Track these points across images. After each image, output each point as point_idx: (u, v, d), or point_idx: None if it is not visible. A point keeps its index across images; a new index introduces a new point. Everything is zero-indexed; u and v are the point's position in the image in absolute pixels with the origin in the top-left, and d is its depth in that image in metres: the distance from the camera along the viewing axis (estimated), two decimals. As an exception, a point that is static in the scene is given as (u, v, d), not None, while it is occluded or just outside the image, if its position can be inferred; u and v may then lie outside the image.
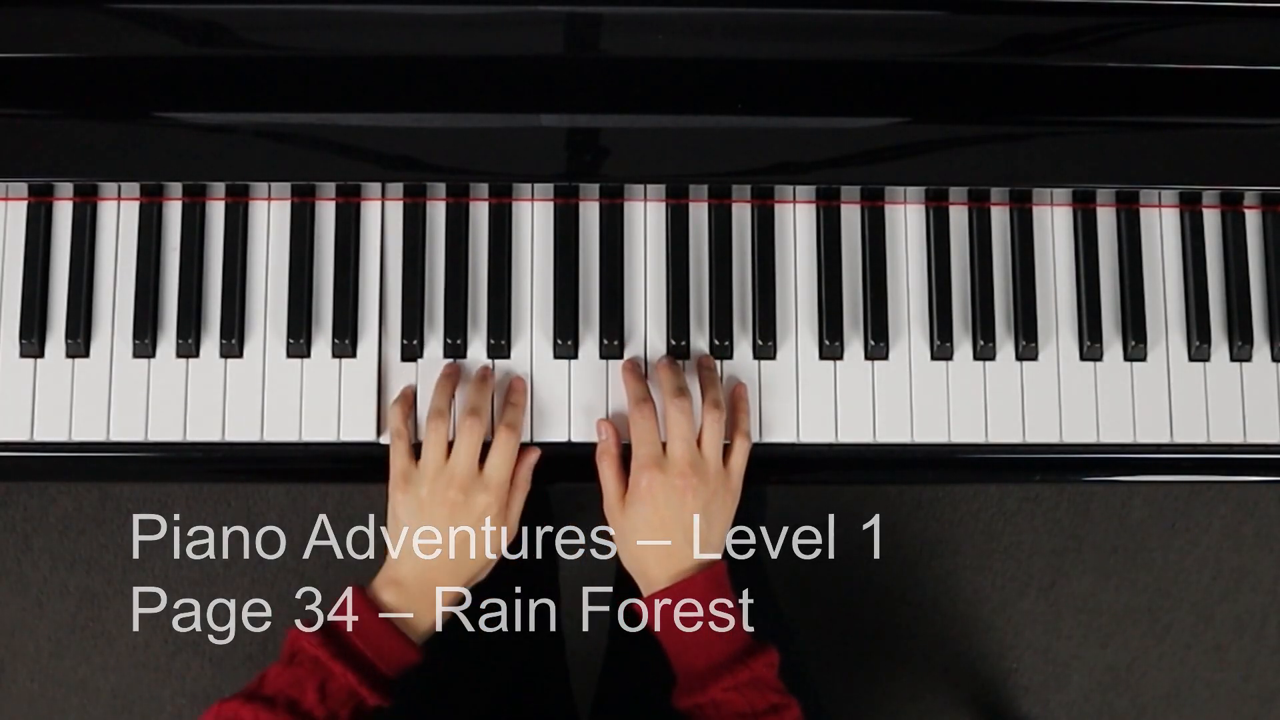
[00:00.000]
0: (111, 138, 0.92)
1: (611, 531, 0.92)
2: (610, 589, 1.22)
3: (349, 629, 0.86)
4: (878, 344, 0.96)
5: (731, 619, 0.88)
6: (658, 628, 0.89)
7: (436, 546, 0.88)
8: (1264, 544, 1.77)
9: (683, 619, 0.87)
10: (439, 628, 0.90)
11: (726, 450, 0.92)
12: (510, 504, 0.91)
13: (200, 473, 0.97)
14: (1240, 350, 0.98)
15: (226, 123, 0.92)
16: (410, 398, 0.94)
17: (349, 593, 0.87)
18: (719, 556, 0.90)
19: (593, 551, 1.69)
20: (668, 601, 0.88)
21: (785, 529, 1.76)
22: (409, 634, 0.87)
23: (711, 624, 0.87)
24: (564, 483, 0.93)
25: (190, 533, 1.71)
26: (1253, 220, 1.00)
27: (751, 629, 0.89)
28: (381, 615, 0.86)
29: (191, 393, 0.95)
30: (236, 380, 0.95)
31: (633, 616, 0.92)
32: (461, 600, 0.90)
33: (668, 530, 0.88)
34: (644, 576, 0.90)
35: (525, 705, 1.05)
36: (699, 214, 0.98)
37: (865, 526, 1.75)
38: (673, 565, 0.88)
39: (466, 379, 0.94)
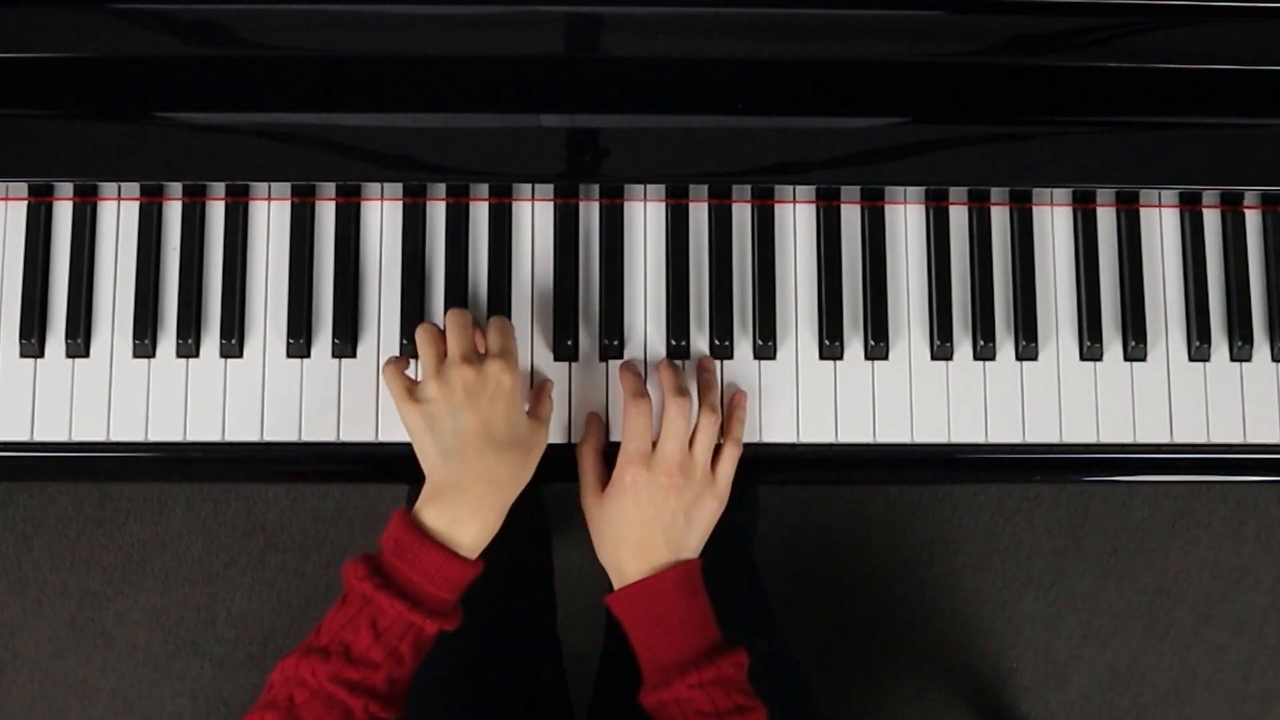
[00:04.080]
0: (111, 138, 0.92)
1: (586, 520, 0.91)
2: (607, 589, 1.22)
3: (393, 555, 0.83)
4: (878, 344, 0.96)
5: (701, 617, 0.87)
6: (627, 622, 0.88)
7: (460, 438, 0.85)
8: (1264, 544, 1.77)
9: (651, 614, 0.87)
10: (495, 530, 0.86)
11: (716, 455, 0.92)
12: (539, 403, 0.91)
13: (200, 473, 0.97)
14: (1240, 350, 0.98)
15: (226, 123, 0.92)
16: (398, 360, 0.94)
17: (394, 516, 0.84)
18: (694, 556, 0.90)
19: (589, 552, 1.69)
20: (637, 595, 0.87)
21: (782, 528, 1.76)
22: (459, 547, 0.83)
23: (680, 621, 0.86)
24: (563, 483, 0.93)
25: (189, 533, 1.71)
26: (1253, 220, 1.00)
27: (723, 629, 0.88)
28: (423, 534, 0.83)
29: (191, 393, 0.95)
30: (236, 380, 0.95)
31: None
32: (511, 494, 0.86)
33: (647, 527, 0.88)
34: (617, 569, 0.89)
35: (522, 708, 1.05)
36: (699, 214, 0.98)
37: (864, 527, 1.75)
38: (647, 562, 0.88)
39: None
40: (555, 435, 0.95)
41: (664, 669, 0.86)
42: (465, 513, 0.84)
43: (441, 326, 0.91)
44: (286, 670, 0.80)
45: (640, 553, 0.88)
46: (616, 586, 0.90)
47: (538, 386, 0.94)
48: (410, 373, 0.94)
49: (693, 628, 0.87)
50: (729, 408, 0.94)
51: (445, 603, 0.84)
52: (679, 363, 0.95)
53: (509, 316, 0.96)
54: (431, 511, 0.84)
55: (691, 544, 0.90)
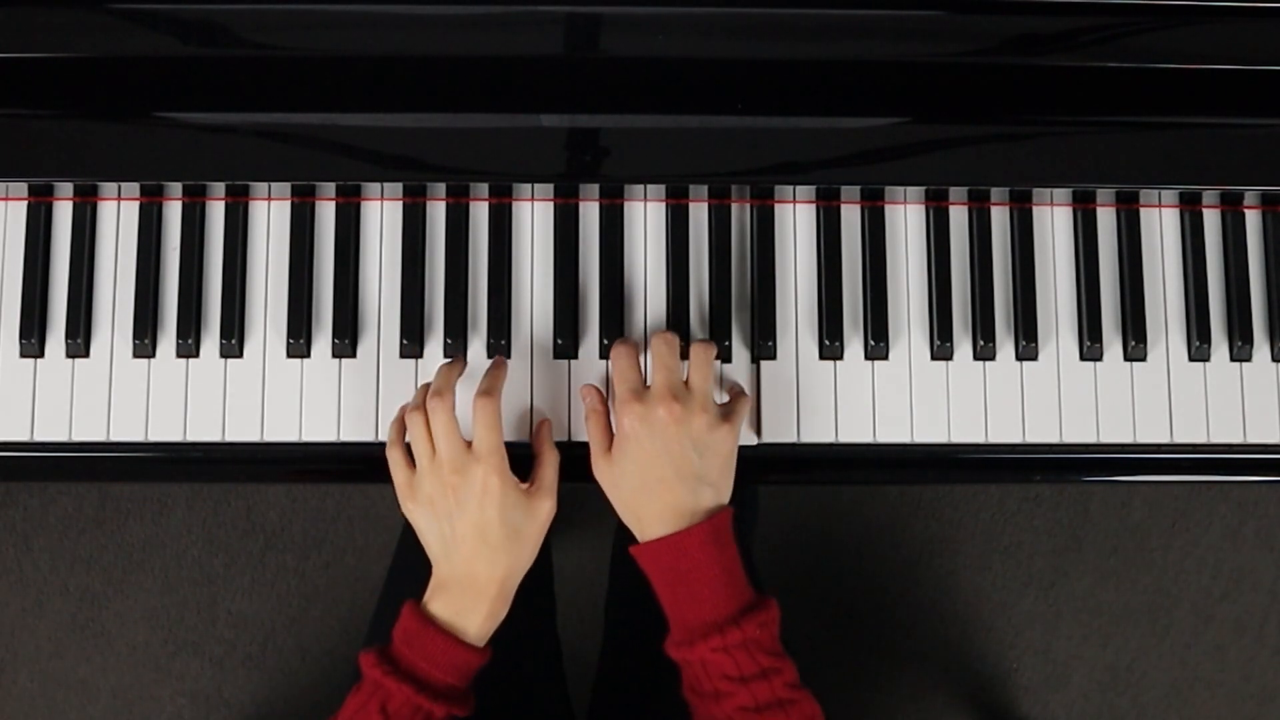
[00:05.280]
0: (111, 138, 0.92)
1: (601, 486, 0.90)
2: (606, 591, 1.22)
3: (402, 644, 0.86)
4: (878, 344, 0.96)
5: (729, 574, 0.85)
6: (652, 576, 0.87)
7: (458, 540, 0.86)
8: (1264, 544, 1.77)
9: (677, 570, 0.85)
10: (501, 616, 0.88)
11: (728, 403, 0.91)
12: (539, 475, 0.90)
13: (200, 473, 0.97)
14: (1240, 350, 0.98)
15: (226, 123, 0.92)
16: (402, 424, 0.93)
17: (404, 608, 0.87)
18: (723, 502, 0.88)
19: (589, 552, 1.69)
20: (662, 551, 0.86)
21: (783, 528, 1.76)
22: (464, 636, 0.86)
23: (707, 578, 0.85)
24: (564, 483, 0.93)
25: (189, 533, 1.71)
26: (1253, 220, 1.00)
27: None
28: (430, 623, 0.85)
29: (191, 393, 0.95)
30: (236, 380, 0.95)
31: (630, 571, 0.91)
32: (514, 582, 0.88)
33: (657, 466, 0.86)
34: (636, 520, 0.88)
35: (522, 708, 1.05)
36: (699, 214, 0.98)
37: (864, 527, 1.75)
38: (664, 504, 0.86)
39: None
40: (556, 433, 0.94)
41: (688, 627, 0.85)
42: (468, 605, 0.86)
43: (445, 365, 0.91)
44: None
45: (655, 496, 0.86)
46: (639, 539, 0.88)
47: (536, 444, 0.92)
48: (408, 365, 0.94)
49: (720, 586, 0.85)
50: (729, 390, 0.94)
51: (453, 688, 0.86)
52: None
53: (508, 317, 0.96)
54: (437, 603, 0.87)
55: (711, 476, 0.87)
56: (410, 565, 0.94)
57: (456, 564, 0.87)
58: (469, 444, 0.87)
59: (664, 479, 0.86)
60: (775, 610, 0.86)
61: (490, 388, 0.89)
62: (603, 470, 0.89)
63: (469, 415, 0.88)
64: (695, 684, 0.85)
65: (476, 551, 0.86)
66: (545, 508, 0.89)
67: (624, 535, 0.93)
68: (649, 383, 0.89)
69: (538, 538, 0.89)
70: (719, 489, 0.88)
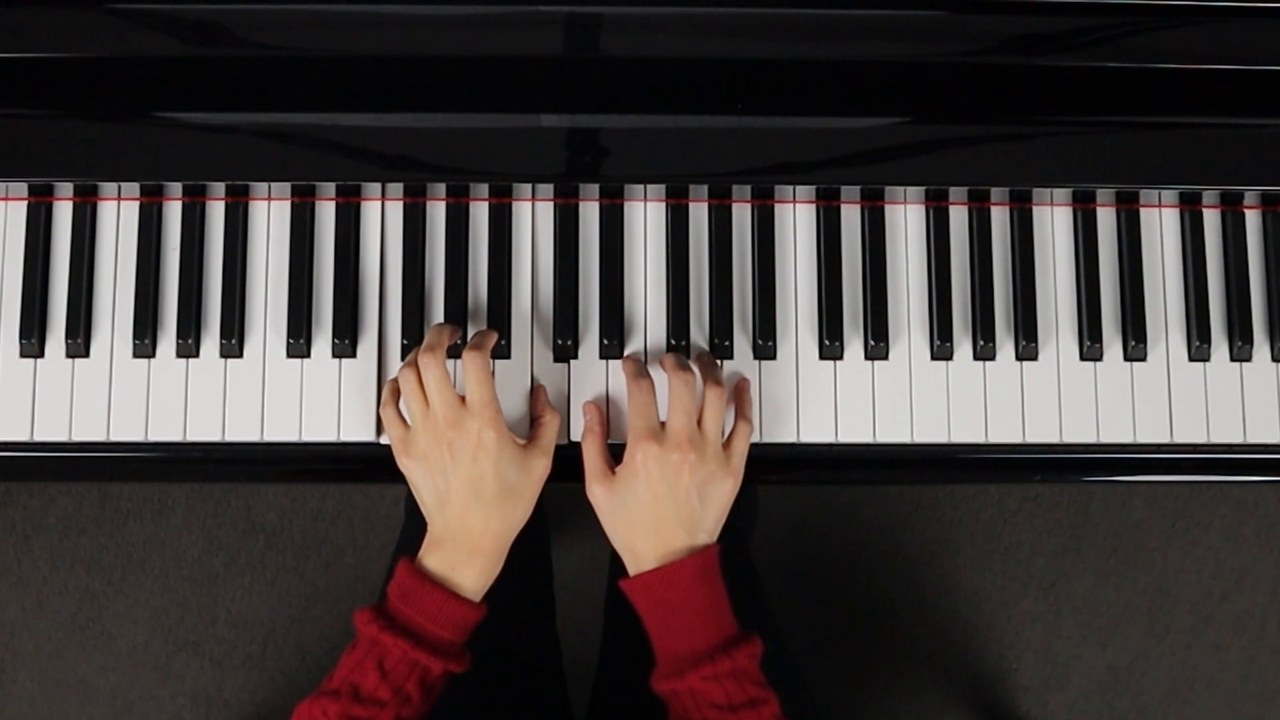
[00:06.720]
0: (111, 138, 0.92)
1: (595, 508, 0.90)
2: (606, 591, 1.22)
3: (398, 600, 0.85)
4: (878, 344, 0.96)
5: (718, 606, 0.87)
6: (642, 609, 0.88)
7: (451, 494, 0.86)
8: (1264, 544, 1.77)
9: (668, 602, 0.86)
10: (495, 572, 0.88)
11: (729, 436, 0.91)
12: (538, 434, 0.90)
13: (200, 473, 0.97)
14: (1240, 350, 0.98)
15: (226, 123, 0.92)
16: (397, 386, 0.93)
17: (398, 564, 0.87)
18: (712, 541, 0.89)
19: (589, 552, 1.69)
20: (654, 583, 0.86)
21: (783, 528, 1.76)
22: (460, 591, 0.86)
23: (697, 610, 0.86)
24: (563, 483, 0.93)
25: (189, 533, 1.71)
26: (1253, 220, 1.00)
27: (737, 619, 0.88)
28: (425, 578, 0.85)
29: (191, 393, 0.95)
30: (236, 380, 0.95)
31: (620, 595, 0.91)
32: (508, 538, 0.88)
33: (660, 506, 0.87)
34: (632, 554, 0.88)
35: (522, 709, 1.05)
36: (699, 214, 0.98)
37: (864, 527, 1.75)
38: (662, 544, 0.87)
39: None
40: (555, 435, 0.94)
41: (678, 658, 0.85)
42: (462, 560, 0.87)
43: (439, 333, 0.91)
44: (301, 714, 0.83)
45: (655, 534, 0.87)
46: (631, 571, 0.89)
47: (534, 406, 0.93)
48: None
49: (709, 617, 0.86)
50: (734, 391, 0.94)
51: (450, 643, 0.85)
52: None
53: (508, 317, 0.96)
54: (433, 559, 0.87)
55: (708, 524, 0.88)
56: (418, 531, 0.94)
57: (450, 519, 0.87)
58: (463, 399, 0.88)
59: (663, 519, 0.87)
60: (760, 644, 0.87)
61: (480, 344, 0.90)
62: (599, 495, 0.89)
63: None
64: (684, 715, 0.85)
65: (469, 506, 0.86)
66: (540, 465, 0.89)
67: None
68: (664, 419, 0.89)
69: (532, 495, 0.89)
70: (712, 533, 0.89)
